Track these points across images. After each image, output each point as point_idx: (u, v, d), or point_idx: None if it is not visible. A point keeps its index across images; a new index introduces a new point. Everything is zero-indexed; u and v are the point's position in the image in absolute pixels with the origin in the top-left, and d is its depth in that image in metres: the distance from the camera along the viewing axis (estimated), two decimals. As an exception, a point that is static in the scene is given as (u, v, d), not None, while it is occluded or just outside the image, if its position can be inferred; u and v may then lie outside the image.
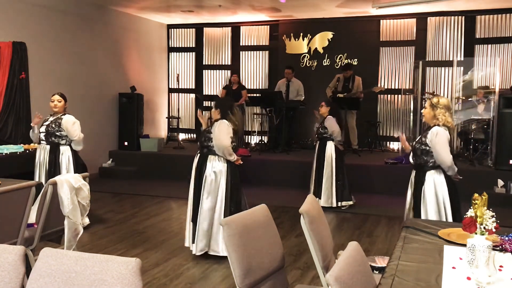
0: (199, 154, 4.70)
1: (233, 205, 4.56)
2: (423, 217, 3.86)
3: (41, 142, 5.35)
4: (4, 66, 6.97)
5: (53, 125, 5.26)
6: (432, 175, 3.86)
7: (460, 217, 3.83)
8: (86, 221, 5.27)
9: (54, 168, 5.22)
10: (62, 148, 5.30)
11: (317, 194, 6.54)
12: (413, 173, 4.02)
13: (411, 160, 4.01)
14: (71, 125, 5.25)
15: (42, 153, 5.31)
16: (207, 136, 4.61)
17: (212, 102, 10.12)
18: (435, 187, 3.85)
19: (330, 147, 6.58)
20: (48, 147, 5.29)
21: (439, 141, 3.75)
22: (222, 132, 4.51)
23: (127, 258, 1.70)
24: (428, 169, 3.86)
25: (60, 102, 5.27)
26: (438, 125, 3.82)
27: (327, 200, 6.54)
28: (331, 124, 6.53)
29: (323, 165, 6.56)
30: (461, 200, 3.94)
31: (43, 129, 5.32)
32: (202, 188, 4.57)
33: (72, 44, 8.35)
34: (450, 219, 3.81)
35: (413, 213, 3.97)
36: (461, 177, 3.96)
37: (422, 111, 4.05)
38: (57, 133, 5.25)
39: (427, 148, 3.82)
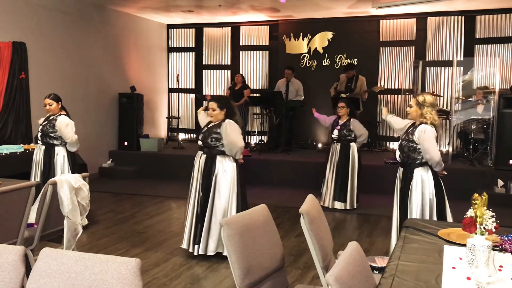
0: (205, 155, 4.58)
1: (244, 204, 4.56)
2: (409, 214, 3.93)
3: (38, 142, 5.38)
4: (4, 66, 6.97)
5: (48, 126, 5.27)
6: (420, 172, 3.92)
7: (444, 215, 3.87)
8: (85, 221, 5.30)
9: (48, 169, 5.23)
10: (57, 149, 5.31)
11: (340, 198, 6.52)
12: (400, 171, 4.09)
13: (397, 157, 4.08)
14: (64, 126, 5.24)
15: (39, 153, 5.33)
16: (214, 137, 4.51)
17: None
18: (422, 184, 3.91)
19: (354, 149, 6.56)
20: (43, 147, 5.31)
21: (427, 138, 3.82)
22: (235, 133, 4.51)
23: (127, 258, 1.70)
24: (416, 166, 3.93)
25: (51, 105, 5.27)
26: (426, 123, 3.87)
27: (352, 203, 6.56)
28: (359, 127, 6.56)
29: (347, 168, 6.50)
30: (447, 198, 4.01)
31: (39, 129, 5.34)
32: (212, 189, 4.51)
33: (72, 44, 8.35)
34: (435, 217, 3.85)
35: (399, 211, 4.02)
36: (446, 173, 4.02)
37: (407, 109, 4.06)
38: (51, 134, 5.26)
39: (415, 145, 3.89)
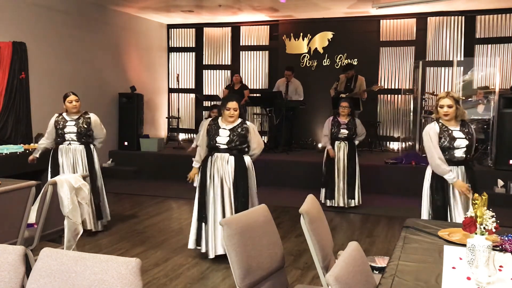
0: (232, 157, 4.45)
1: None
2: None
3: (72, 143, 5.22)
4: (4, 66, 6.97)
5: (84, 125, 5.26)
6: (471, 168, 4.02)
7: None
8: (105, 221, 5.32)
9: (92, 168, 5.22)
10: (91, 147, 5.36)
11: (352, 195, 6.61)
12: (462, 170, 3.92)
13: (459, 155, 3.89)
14: (99, 124, 5.37)
15: (74, 154, 5.22)
16: (242, 140, 4.47)
17: (212, 102, 10.14)
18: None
19: (355, 146, 6.72)
20: (81, 147, 5.25)
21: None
22: (258, 134, 4.60)
23: (127, 258, 1.70)
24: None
25: (78, 101, 5.28)
26: (466, 119, 3.95)
27: (359, 199, 6.69)
28: (361, 126, 6.74)
29: (354, 166, 6.62)
30: None
31: (71, 129, 5.21)
32: (249, 188, 4.48)
33: (72, 44, 8.35)
34: None
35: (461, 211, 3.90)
36: None
37: (445, 110, 3.86)
38: (88, 133, 5.29)
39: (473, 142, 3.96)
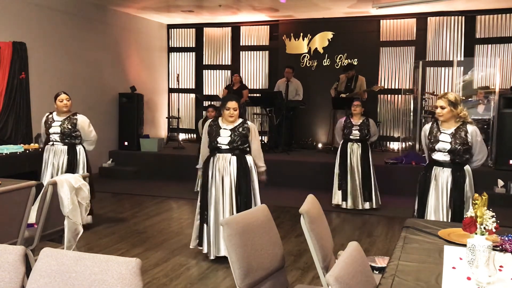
0: (235, 157, 4.44)
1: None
2: (464, 212, 3.82)
3: (55, 143, 5.23)
4: (4, 66, 6.97)
5: (69, 126, 5.19)
6: (468, 171, 3.96)
7: None
8: (89, 219, 5.28)
9: (73, 169, 5.12)
10: (77, 148, 5.28)
11: (368, 198, 6.49)
12: (446, 172, 3.93)
13: (442, 158, 3.89)
14: (87, 125, 5.27)
15: (58, 154, 5.21)
16: (243, 139, 4.44)
17: (212, 102, 10.13)
18: (470, 183, 3.95)
19: (369, 148, 6.63)
20: (65, 148, 5.21)
21: (480, 138, 3.87)
22: (258, 136, 4.57)
23: (127, 258, 1.70)
24: (464, 165, 3.94)
25: (69, 101, 5.22)
26: (468, 122, 3.86)
27: (377, 201, 6.58)
28: (375, 127, 6.71)
29: (368, 168, 6.52)
30: None
31: (55, 130, 5.21)
32: (251, 188, 4.48)
33: (72, 44, 8.35)
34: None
35: (451, 215, 3.88)
36: None
37: (437, 111, 3.87)
38: (73, 134, 5.21)
39: (468, 146, 3.84)
